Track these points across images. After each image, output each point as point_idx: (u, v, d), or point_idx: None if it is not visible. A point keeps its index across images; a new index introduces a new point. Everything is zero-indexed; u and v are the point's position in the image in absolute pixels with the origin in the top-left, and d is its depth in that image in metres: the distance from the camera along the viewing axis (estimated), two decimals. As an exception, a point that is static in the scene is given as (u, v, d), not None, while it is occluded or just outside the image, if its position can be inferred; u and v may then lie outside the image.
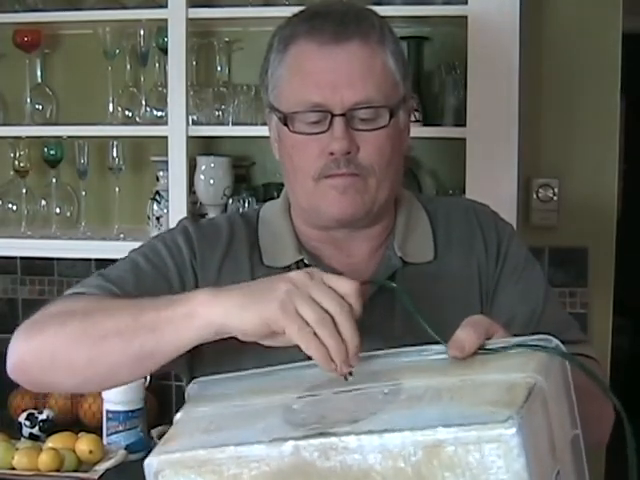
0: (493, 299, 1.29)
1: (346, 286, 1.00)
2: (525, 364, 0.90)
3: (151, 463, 0.91)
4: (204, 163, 2.27)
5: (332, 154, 1.21)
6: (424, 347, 1.00)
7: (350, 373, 0.97)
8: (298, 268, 1.28)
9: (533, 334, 0.98)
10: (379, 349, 1.05)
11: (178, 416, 1.00)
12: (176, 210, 2.20)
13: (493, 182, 2.07)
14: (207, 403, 1.00)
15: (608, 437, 1.22)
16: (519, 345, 0.94)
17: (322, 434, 0.85)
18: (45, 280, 2.54)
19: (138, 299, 1.12)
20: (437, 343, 0.99)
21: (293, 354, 1.01)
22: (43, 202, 2.40)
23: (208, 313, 1.02)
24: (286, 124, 1.23)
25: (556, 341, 0.94)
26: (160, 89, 2.32)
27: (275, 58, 1.25)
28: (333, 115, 1.20)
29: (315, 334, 0.96)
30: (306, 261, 1.29)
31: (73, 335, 1.09)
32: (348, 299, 1.00)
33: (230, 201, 2.27)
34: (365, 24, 1.22)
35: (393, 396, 0.89)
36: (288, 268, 1.28)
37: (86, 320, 1.09)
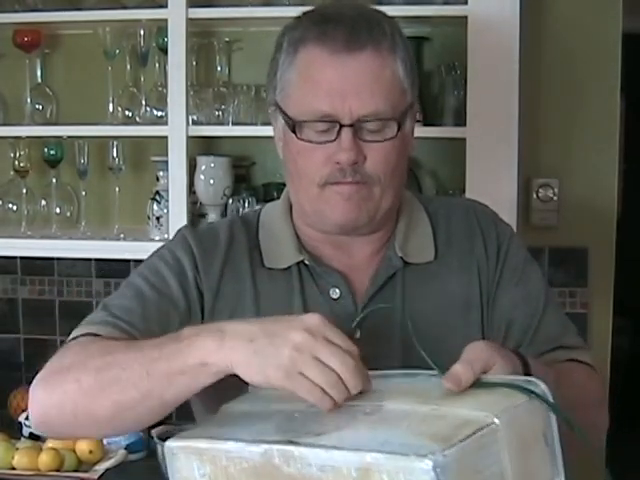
0: (494, 301, 1.29)
1: (350, 345, 1.00)
2: (494, 403, 0.91)
3: (170, 446, 0.98)
4: (204, 163, 2.27)
5: (338, 163, 1.21)
6: (429, 372, 1.00)
7: None
8: (298, 269, 1.29)
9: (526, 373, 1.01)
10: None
11: (222, 407, 1.06)
12: (176, 210, 2.20)
13: (493, 182, 2.07)
14: (249, 402, 1.05)
15: (604, 443, 1.23)
16: (507, 385, 0.95)
17: (289, 442, 0.89)
18: (45, 280, 2.54)
19: (146, 345, 1.10)
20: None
21: None
22: (43, 202, 2.40)
23: (220, 361, 1.01)
24: (294, 131, 1.23)
25: (543, 386, 0.94)
26: (160, 89, 2.31)
27: (284, 60, 1.25)
28: (341, 125, 1.20)
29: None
30: (306, 262, 1.29)
31: (91, 392, 1.09)
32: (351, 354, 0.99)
33: (230, 201, 2.27)
34: (377, 32, 1.21)
35: (368, 416, 0.93)
36: (288, 269, 1.29)
37: (100, 376, 1.09)
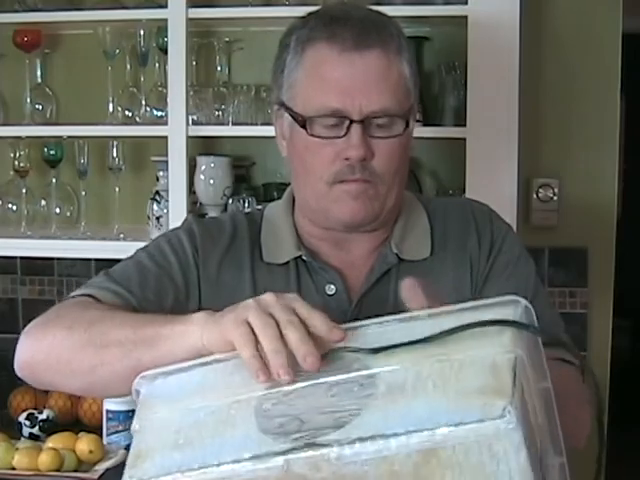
0: (480, 294, 1.29)
1: (315, 317, 0.94)
2: (499, 334, 0.87)
3: None
4: (204, 163, 2.27)
5: (347, 159, 1.22)
6: (384, 319, 0.95)
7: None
8: (296, 264, 1.31)
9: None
10: None
11: (137, 426, 0.94)
12: (176, 210, 2.20)
13: (493, 182, 2.07)
14: (163, 405, 0.94)
15: (585, 441, 1.22)
16: (488, 322, 0.89)
17: (310, 445, 0.82)
18: (45, 280, 2.54)
19: (141, 313, 1.14)
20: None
21: None
22: (43, 202, 2.40)
23: (198, 334, 1.00)
24: (304, 127, 1.24)
25: (524, 302, 0.90)
26: (160, 89, 2.32)
27: (292, 59, 1.26)
28: (351, 121, 1.21)
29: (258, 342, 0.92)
30: (304, 257, 1.31)
31: (78, 342, 1.11)
32: (310, 323, 0.93)
33: (230, 201, 2.27)
34: (385, 33, 1.24)
35: (371, 388, 0.86)
36: (286, 264, 1.31)
37: (91, 329, 1.11)
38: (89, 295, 1.24)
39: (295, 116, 1.25)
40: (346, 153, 1.22)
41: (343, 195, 1.24)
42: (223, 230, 1.34)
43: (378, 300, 1.28)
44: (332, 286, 1.29)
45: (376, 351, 0.90)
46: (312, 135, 1.23)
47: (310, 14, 1.29)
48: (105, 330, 1.10)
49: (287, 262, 1.31)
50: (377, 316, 1.25)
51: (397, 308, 1.26)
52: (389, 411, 0.83)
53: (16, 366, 1.19)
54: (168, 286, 1.28)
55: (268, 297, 0.97)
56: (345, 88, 1.21)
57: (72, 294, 1.26)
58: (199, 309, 1.26)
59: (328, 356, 0.92)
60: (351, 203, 1.24)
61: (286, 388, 0.89)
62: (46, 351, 1.15)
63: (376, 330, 0.95)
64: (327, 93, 1.22)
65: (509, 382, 0.81)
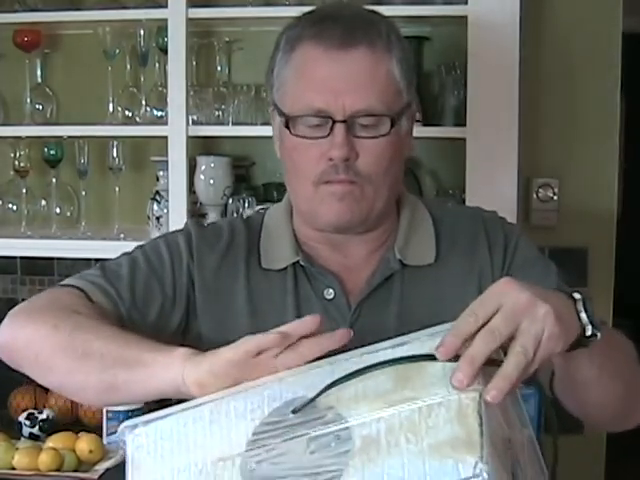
0: None
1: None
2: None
3: None
4: (204, 163, 2.27)
5: (331, 160, 1.21)
6: (350, 354, 0.95)
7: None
8: (294, 269, 1.30)
9: None
10: None
11: None
12: (176, 210, 2.20)
13: (493, 182, 2.07)
14: (152, 464, 0.96)
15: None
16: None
17: None
18: (45, 280, 2.54)
19: (128, 331, 1.12)
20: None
21: None
22: (43, 202, 2.40)
23: (179, 369, 1.01)
24: (287, 127, 1.23)
25: None
26: (160, 89, 2.32)
27: (281, 58, 1.25)
28: (334, 121, 1.20)
29: None
30: (301, 263, 1.30)
31: (60, 344, 1.11)
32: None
33: (230, 201, 2.27)
34: (373, 31, 1.22)
35: (347, 444, 0.87)
36: (284, 270, 1.30)
37: (75, 334, 1.11)
38: (80, 288, 1.24)
39: (281, 116, 1.25)
40: (330, 153, 1.20)
41: (328, 196, 1.23)
42: (221, 237, 1.33)
43: (379, 305, 1.27)
44: (331, 290, 1.28)
45: (330, 386, 0.91)
46: (296, 135, 1.23)
47: (304, 14, 1.29)
48: (89, 339, 1.10)
49: (285, 268, 1.30)
50: (378, 321, 1.24)
51: (400, 314, 1.26)
52: (366, 472, 0.85)
53: None
54: (156, 290, 1.27)
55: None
56: (328, 87, 1.20)
57: (64, 282, 1.26)
58: (187, 316, 1.28)
59: (301, 393, 0.92)
60: (336, 204, 1.23)
61: (268, 445, 0.91)
62: (26, 342, 1.15)
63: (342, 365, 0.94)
64: (311, 92, 1.21)
65: (476, 430, 0.82)
